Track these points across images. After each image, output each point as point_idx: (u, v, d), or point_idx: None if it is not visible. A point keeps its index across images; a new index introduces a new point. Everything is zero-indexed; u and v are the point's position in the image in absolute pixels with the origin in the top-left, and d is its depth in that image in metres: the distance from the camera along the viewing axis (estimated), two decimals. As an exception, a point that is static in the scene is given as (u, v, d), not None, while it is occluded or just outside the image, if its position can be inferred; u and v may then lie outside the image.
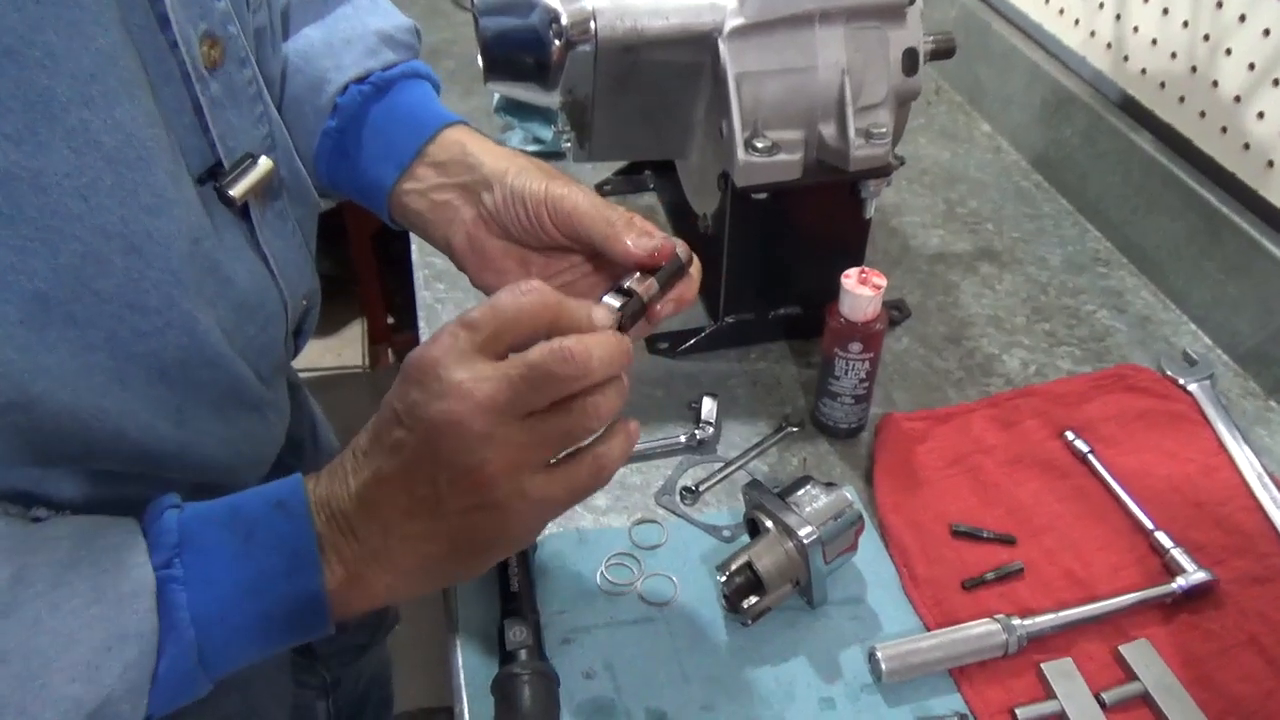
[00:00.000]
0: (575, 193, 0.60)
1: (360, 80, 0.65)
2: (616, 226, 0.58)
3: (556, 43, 0.73)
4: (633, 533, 0.74)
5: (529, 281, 0.49)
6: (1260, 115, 0.87)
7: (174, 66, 0.48)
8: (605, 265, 0.62)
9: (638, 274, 0.58)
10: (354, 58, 0.65)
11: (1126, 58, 1.03)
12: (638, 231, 0.58)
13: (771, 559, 0.65)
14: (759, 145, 0.75)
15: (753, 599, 0.65)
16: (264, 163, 0.54)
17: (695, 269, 0.60)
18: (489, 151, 0.64)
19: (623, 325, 0.54)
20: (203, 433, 0.53)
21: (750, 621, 0.66)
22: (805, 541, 0.64)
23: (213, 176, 0.52)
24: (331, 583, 0.48)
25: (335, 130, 0.65)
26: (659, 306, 0.58)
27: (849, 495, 0.68)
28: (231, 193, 0.52)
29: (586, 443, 0.51)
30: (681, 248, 0.59)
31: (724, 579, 0.66)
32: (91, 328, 0.44)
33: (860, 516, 0.67)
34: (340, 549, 0.48)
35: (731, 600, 0.66)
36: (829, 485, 0.68)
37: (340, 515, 0.48)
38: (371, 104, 0.65)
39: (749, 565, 0.65)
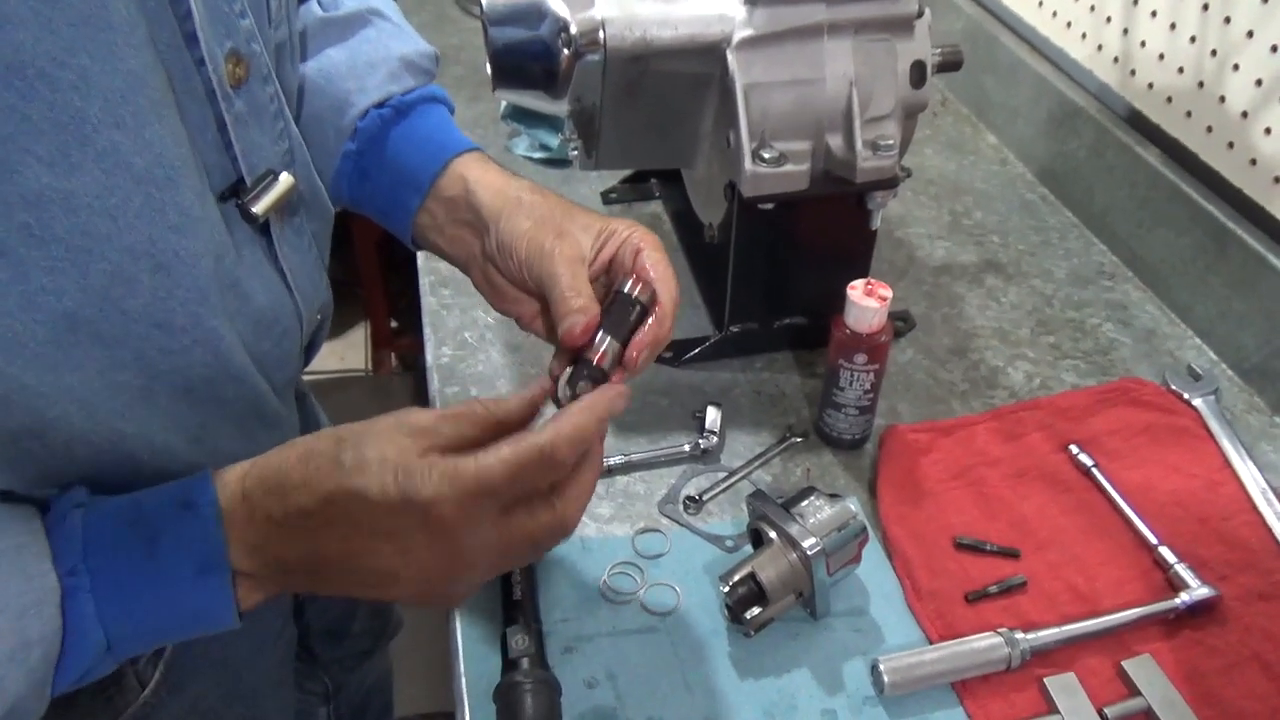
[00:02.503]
0: (545, 256, 0.59)
1: (380, 105, 0.66)
2: (561, 308, 0.57)
3: (565, 52, 0.73)
4: (636, 542, 0.74)
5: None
6: (1267, 131, 0.87)
7: (199, 85, 0.48)
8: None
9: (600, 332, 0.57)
10: (377, 81, 0.66)
11: (1133, 72, 1.03)
12: (566, 312, 0.57)
13: (775, 570, 0.65)
14: (766, 156, 0.76)
15: (755, 610, 0.65)
16: (285, 179, 0.54)
17: (668, 302, 0.58)
18: (489, 187, 0.63)
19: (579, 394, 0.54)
20: (219, 452, 0.53)
21: (753, 632, 0.66)
22: (809, 553, 0.64)
23: (234, 194, 0.52)
24: (244, 594, 0.48)
25: (355, 152, 0.66)
26: (632, 353, 0.57)
27: (853, 507, 0.68)
28: (254, 210, 0.53)
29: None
30: (641, 288, 0.58)
31: (727, 589, 0.66)
32: (119, 346, 0.45)
33: (864, 528, 0.67)
34: (255, 553, 0.48)
35: (734, 611, 0.66)
36: (833, 496, 0.68)
37: (269, 543, 0.48)
38: (391, 128, 0.66)
39: (752, 576, 0.65)
